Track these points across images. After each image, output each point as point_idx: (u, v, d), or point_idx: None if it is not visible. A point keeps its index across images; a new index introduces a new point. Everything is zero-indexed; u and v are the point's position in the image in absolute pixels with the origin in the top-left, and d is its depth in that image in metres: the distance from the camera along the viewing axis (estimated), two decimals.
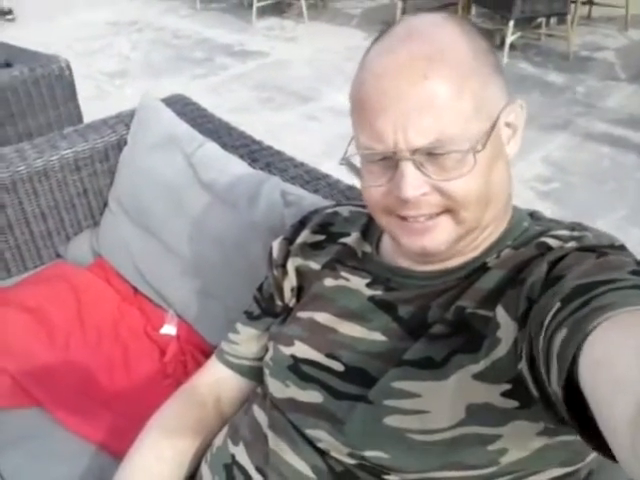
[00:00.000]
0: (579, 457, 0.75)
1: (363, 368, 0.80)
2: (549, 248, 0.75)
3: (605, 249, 0.71)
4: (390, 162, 0.73)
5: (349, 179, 1.29)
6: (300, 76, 4.42)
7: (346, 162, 0.78)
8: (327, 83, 4.23)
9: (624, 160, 3.20)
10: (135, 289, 1.53)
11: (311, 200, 1.24)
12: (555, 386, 0.55)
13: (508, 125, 0.78)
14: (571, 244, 0.74)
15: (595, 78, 4.19)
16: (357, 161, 0.78)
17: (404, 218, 0.75)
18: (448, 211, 0.74)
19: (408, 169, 0.71)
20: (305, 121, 3.76)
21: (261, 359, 0.98)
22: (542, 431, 0.70)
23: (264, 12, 5.59)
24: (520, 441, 0.71)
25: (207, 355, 1.11)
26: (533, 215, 0.86)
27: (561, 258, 0.70)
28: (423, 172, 0.71)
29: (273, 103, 4.01)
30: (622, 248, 0.73)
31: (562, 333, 0.56)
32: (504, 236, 0.81)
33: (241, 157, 1.46)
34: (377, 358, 0.80)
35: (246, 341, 1.01)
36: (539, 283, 0.68)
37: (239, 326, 1.02)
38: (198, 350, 1.37)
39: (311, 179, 1.39)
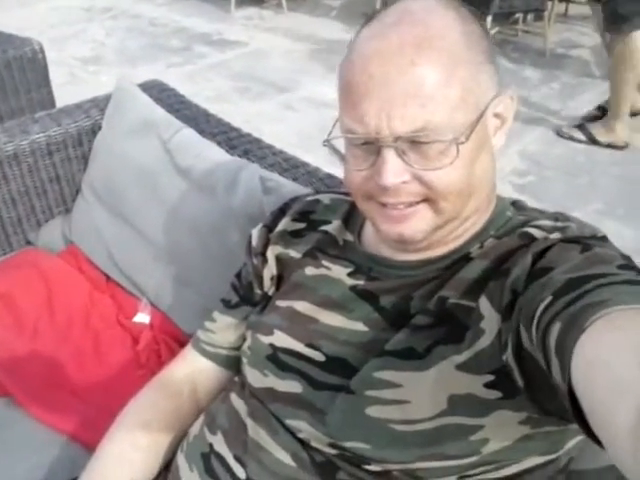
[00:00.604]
0: (559, 445, 0.74)
1: (344, 358, 0.79)
2: (533, 239, 0.74)
3: (588, 240, 0.71)
4: (372, 147, 0.72)
5: (327, 167, 1.28)
6: (278, 66, 4.38)
7: (329, 144, 0.77)
8: (305, 74, 4.20)
9: (598, 155, 3.23)
10: (107, 276, 1.50)
11: (291, 187, 1.21)
12: (559, 379, 0.54)
13: (497, 116, 0.76)
14: (555, 235, 0.73)
15: (570, 75, 4.21)
16: (340, 145, 0.77)
17: (384, 204, 0.74)
18: (427, 200, 0.73)
19: (389, 156, 0.70)
20: (282, 111, 3.73)
21: (238, 348, 0.96)
22: (524, 420, 0.70)
23: (243, 2, 5.52)
24: (502, 431, 0.70)
25: (182, 344, 1.09)
26: (515, 204, 0.85)
27: (545, 250, 0.70)
28: (404, 160, 0.70)
29: (251, 93, 3.97)
30: (604, 239, 0.73)
31: (556, 327, 0.55)
32: (487, 226, 0.80)
33: (219, 144, 1.44)
34: (358, 348, 0.79)
35: (223, 330, 0.99)
36: (524, 275, 0.68)
37: (216, 314, 1.00)
38: (172, 339, 1.34)
39: (290, 167, 1.37)
